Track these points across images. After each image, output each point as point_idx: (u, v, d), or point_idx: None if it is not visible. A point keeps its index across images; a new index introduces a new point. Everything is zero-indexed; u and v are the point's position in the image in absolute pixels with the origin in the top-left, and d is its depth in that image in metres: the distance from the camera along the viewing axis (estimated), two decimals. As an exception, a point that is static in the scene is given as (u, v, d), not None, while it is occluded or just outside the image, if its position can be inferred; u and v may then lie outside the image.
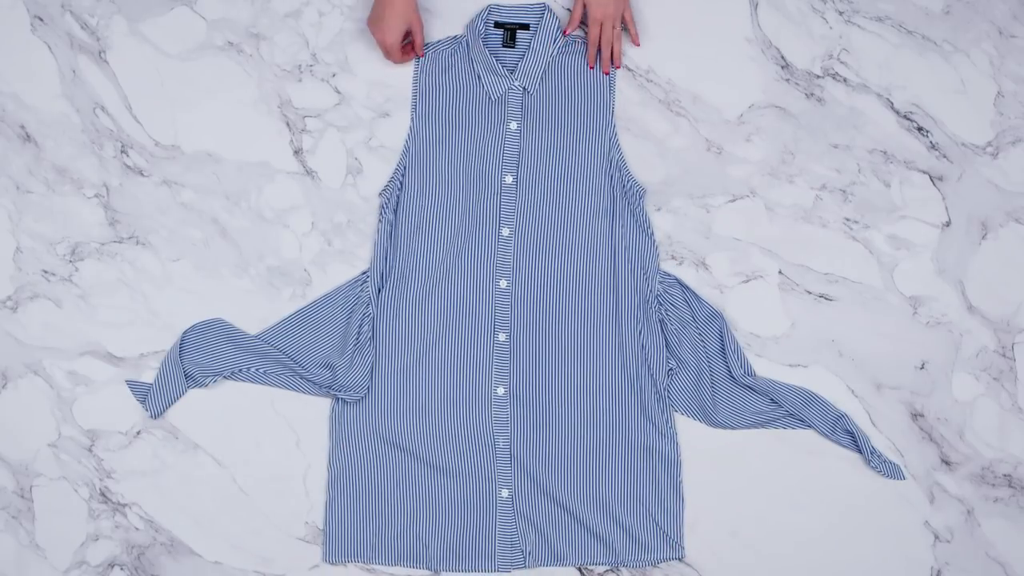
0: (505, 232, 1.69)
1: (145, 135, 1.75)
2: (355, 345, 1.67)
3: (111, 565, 1.69)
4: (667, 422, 1.66)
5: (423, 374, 1.68)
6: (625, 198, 1.69)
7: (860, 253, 1.71)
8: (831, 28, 1.74)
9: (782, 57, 1.74)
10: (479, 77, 1.72)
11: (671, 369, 1.67)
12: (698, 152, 1.73)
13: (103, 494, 1.70)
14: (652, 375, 1.66)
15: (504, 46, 1.73)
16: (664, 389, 1.66)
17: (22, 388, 1.72)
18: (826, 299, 1.70)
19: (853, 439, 1.65)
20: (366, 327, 1.68)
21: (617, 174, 1.70)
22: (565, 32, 1.71)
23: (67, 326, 1.72)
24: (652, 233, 1.69)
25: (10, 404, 1.72)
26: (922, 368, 1.69)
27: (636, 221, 1.69)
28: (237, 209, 1.74)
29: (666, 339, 1.68)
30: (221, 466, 1.70)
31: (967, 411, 1.68)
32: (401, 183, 1.71)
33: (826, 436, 1.65)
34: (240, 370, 1.68)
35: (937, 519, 1.67)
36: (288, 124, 1.75)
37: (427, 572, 1.66)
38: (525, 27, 1.73)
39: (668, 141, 1.73)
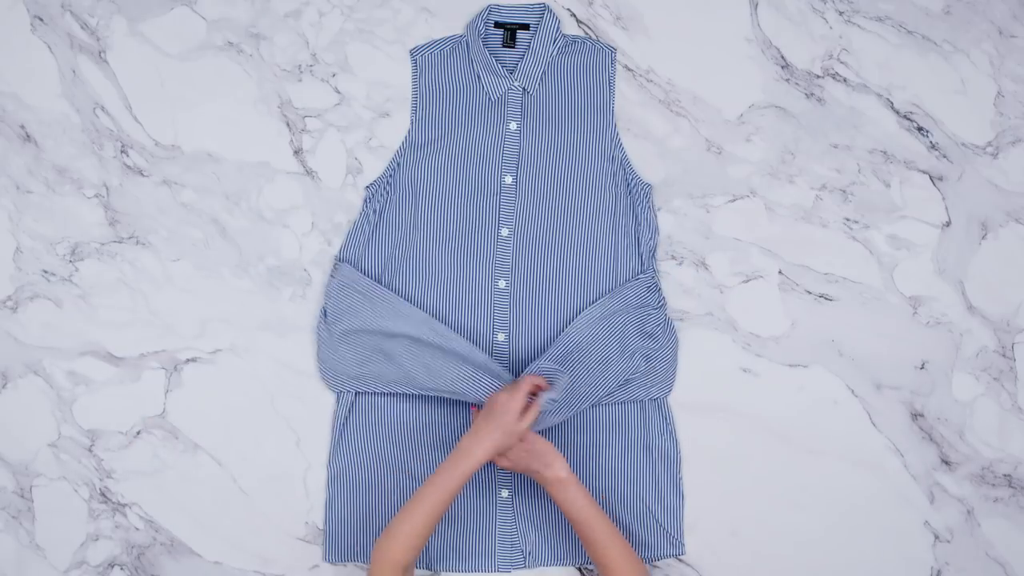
0: (504, 232, 1.69)
1: (145, 135, 1.75)
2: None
3: (111, 565, 1.69)
4: (666, 419, 1.66)
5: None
6: (630, 196, 1.69)
7: (860, 253, 1.71)
8: (831, 28, 1.74)
9: (782, 57, 1.74)
10: (479, 77, 1.72)
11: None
12: (698, 152, 1.73)
13: (103, 494, 1.70)
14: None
15: (504, 46, 1.73)
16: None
17: (22, 388, 1.72)
18: (826, 299, 1.70)
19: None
20: None
21: (621, 172, 1.70)
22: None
23: (67, 326, 1.72)
24: (656, 229, 1.69)
25: (10, 404, 1.72)
26: (922, 368, 1.69)
27: (636, 218, 1.68)
28: (237, 209, 1.74)
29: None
30: (221, 466, 1.70)
31: (967, 411, 1.68)
32: (390, 181, 1.71)
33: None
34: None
35: (937, 519, 1.67)
36: (288, 124, 1.75)
37: (427, 572, 1.67)
38: (525, 27, 1.73)
39: (668, 141, 1.73)
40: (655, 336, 1.66)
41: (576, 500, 1.50)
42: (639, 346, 1.64)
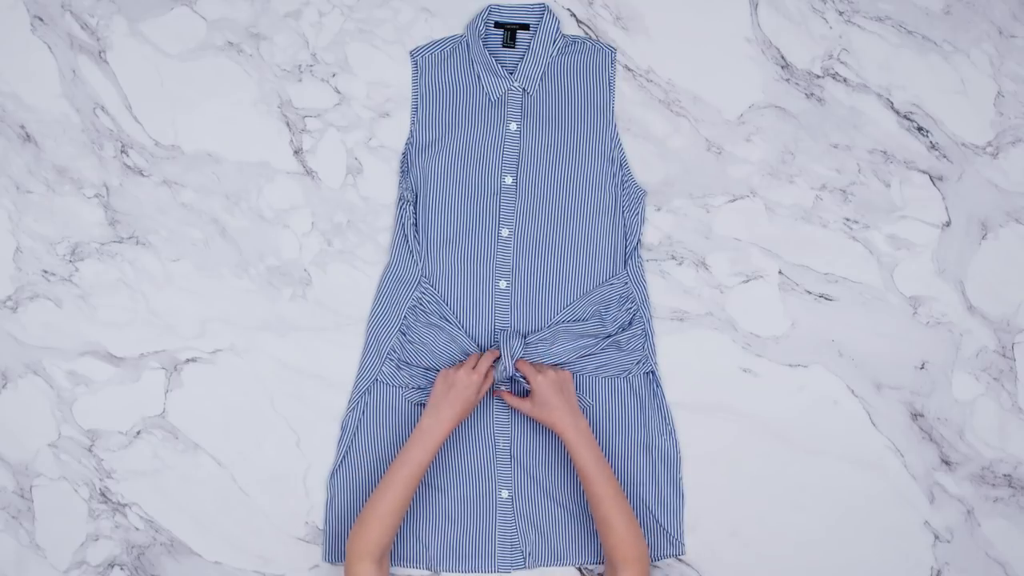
0: (505, 233, 1.69)
1: (145, 135, 1.75)
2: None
3: (111, 565, 1.69)
4: (666, 419, 1.67)
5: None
6: (623, 197, 1.69)
7: (860, 253, 1.71)
8: (831, 28, 1.74)
9: (782, 57, 1.74)
10: (479, 77, 1.72)
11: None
12: (698, 152, 1.73)
13: (103, 494, 1.70)
14: (650, 371, 1.67)
15: (504, 46, 1.73)
16: (656, 382, 1.67)
17: (22, 388, 1.72)
18: (826, 299, 1.70)
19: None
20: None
21: (620, 172, 1.69)
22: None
23: (67, 326, 1.72)
24: (639, 235, 1.68)
25: (10, 404, 1.72)
26: (922, 368, 1.69)
27: (625, 221, 1.68)
28: (237, 209, 1.74)
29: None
30: (221, 466, 1.70)
31: (967, 411, 1.68)
32: (415, 193, 1.70)
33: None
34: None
35: (937, 519, 1.67)
36: (288, 124, 1.75)
37: (427, 572, 1.67)
38: (525, 27, 1.73)
39: (668, 141, 1.73)
40: (624, 334, 1.66)
41: (579, 458, 1.53)
42: (612, 339, 1.65)
